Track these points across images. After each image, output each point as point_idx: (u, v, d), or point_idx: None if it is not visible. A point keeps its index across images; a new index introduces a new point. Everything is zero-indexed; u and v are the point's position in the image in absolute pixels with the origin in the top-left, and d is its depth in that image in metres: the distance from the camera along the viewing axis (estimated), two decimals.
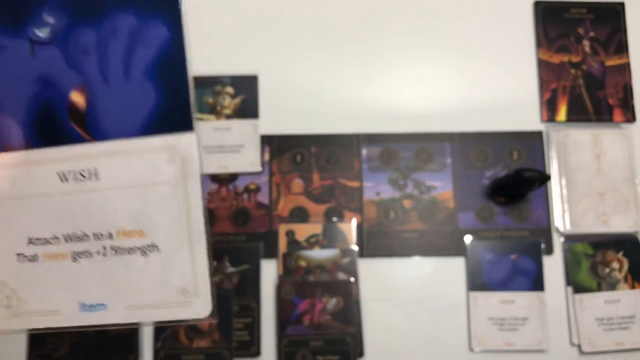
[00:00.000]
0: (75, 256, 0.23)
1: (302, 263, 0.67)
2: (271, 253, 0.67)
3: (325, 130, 0.70)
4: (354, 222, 0.68)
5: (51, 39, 0.22)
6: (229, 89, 0.71)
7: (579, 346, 0.66)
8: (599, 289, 0.67)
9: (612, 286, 0.67)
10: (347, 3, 0.74)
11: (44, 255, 0.23)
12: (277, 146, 0.70)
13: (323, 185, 0.69)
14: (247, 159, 0.69)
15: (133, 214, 0.23)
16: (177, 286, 0.24)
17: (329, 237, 0.67)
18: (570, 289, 0.67)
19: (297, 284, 0.66)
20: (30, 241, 0.23)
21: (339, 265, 0.67)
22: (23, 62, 0.22)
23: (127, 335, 0.64)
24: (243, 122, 0.70)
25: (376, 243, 0.68)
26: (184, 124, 0.22)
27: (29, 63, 0.22)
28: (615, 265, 0.68)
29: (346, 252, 0.67)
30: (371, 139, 0.70)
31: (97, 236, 0.23)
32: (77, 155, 0.23)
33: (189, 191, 0.24)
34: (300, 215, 0.68)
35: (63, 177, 0.23)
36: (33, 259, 0.23)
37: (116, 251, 0.23)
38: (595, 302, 0.67)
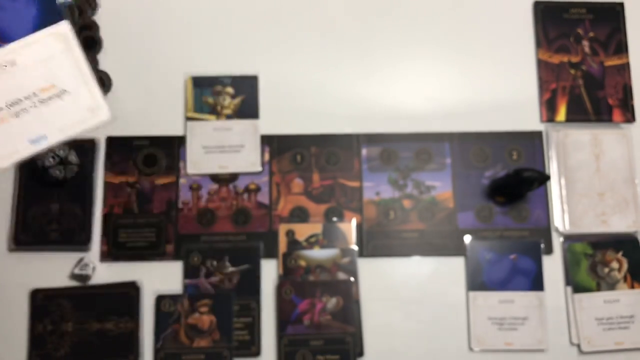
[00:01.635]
0: (16, 114, 0.42)
1: (302, 263, 0.67)
2: (271, 253, 0.67)
3: (325, 130, 0.70)
4: (353, 222, 0.68)
5: None
6: (229, 89, 0.71)
7: (578, 346, 0.66)
8: (599, 288, 0.67)
9: (612, 286, 0.68)
10: (347, 3, 0.74)
11: None
12: (277, 146, 0.70)
13: (323, 185, 0.69)
14: (247, 159, 0.69)
15: (45, 76, 0.42)
16: (85, 107, 0.43)
17: (329, 237, 0.68)
18: (569, 289, 0.67)
19: (297, 284, 0.66)
20: None
21: (339, 265, 0.67)
22: None
23: (128, 335, 0.64)
24: (243, 122, 0.70)
25: (376, 243, 0.68)
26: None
27: None
28: (615, 265, 0.68)
29: (346, 252, 0.67)
30: (371, 139, 0.70)
31: (27, 97, 0.42)
32: None
33: (74, 52, 0.43)
34: (300, 215, 0.68)
35: None
36: None
37: (42, 102, 0.42)
38: (595, 302, 0.67)
